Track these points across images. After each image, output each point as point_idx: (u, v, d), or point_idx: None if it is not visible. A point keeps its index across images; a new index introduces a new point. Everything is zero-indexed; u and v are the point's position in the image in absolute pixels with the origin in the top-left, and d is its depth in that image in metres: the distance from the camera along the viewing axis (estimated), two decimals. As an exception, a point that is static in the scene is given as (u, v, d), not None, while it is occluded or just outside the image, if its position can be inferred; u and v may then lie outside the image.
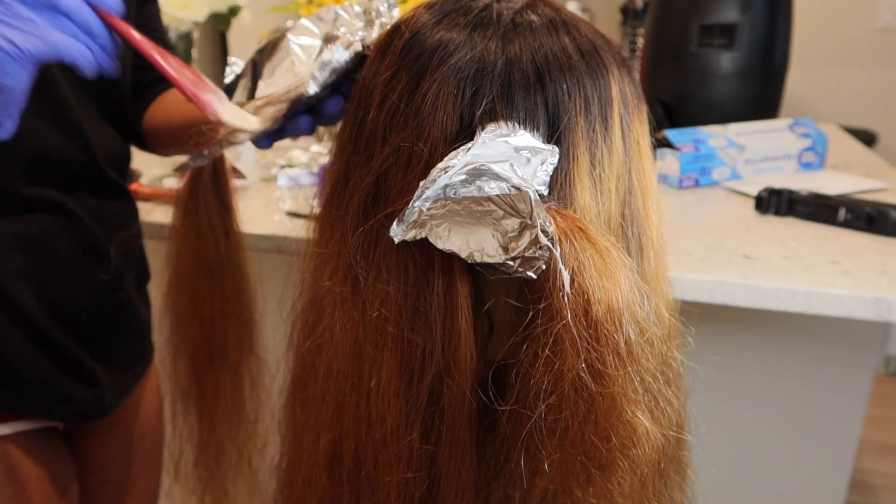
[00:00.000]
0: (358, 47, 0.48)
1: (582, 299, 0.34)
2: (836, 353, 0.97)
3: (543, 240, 0.35)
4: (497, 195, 0.35)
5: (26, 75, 0.39)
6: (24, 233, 0.62)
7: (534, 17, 0.41)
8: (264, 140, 0.53)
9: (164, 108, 0.75)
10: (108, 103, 0.70)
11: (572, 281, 0.34)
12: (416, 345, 0.38)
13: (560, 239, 0.35)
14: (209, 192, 0.56)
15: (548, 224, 0.35)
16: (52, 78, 0.62)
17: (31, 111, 0.61)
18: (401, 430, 0.39)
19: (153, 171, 1.27)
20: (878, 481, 1.80)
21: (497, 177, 0.35)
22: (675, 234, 0.91)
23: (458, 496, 0.40)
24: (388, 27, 0.46)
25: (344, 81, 0.50)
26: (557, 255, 0.34)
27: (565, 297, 0.34)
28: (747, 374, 1.02)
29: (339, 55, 0.47)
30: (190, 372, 0.60)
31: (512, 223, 0.35)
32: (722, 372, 1.00)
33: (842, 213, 0.91)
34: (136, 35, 0.45)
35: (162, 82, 0.78)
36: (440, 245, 0.36)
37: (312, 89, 0.48)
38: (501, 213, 0.35)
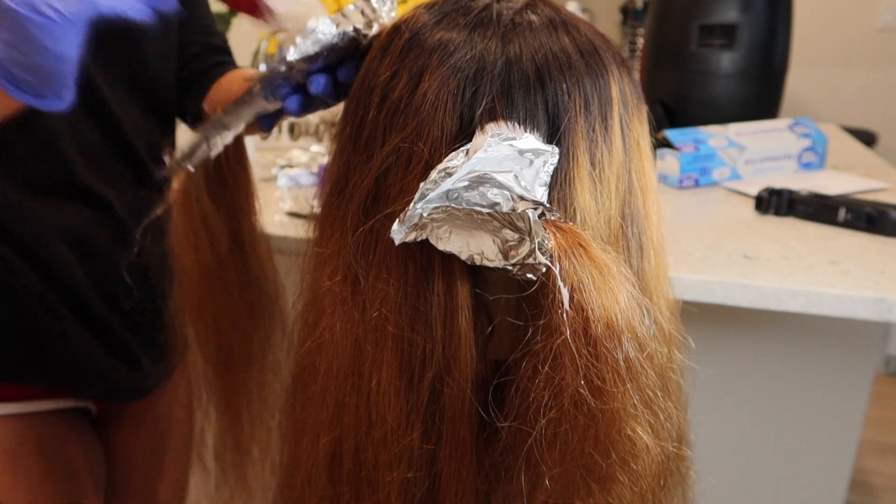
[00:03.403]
0: (348, 28, 0.47)
1: (581, 317, 0.34)
2: (836, 353, 0.97)
3: (541, 258, 0.35)
4: (496, 212, 0.35)
5: (76, 40, 0.38)
6: (66, 224, 0.66)
7: (534, 17, 0.41)
8: (265, 121, 0.52)
9: (222, 90, 0.77)
10: (148, 96, 0.73)
11: (571, 298, 0.34)
12: (417, 344, 0.38)
13: (559, 255, 0.35)
14: (202, 192, 0.56)
15: (546, 241, 0.35)
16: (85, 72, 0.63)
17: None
18: (401, 429, 0.39)
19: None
20: (878, 481, 1.80)
21: (500, 185, 0.35)
22: (675, 234, 0.91)
23: (458, 496, 0.40)
24: (387, 24, 0.46)
25: (339, 66, 0.49)
26: (556, 272, 0.34)
27: (564, 315, 0.34)
28: (747, 374, 1.02)
29: (324, 26, 0.46)
30: (206, 368, 0.61)
31: (511, 234, 0.36)
32: (722, 372, 0.99)
33: (842, 213, 0.91)
34: None
35: (217, 67, 0.79)
36: (440, 246, 0.36)
37: (291, 55, 0.47)
38: (500, 225, 0.36)
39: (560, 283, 0.34)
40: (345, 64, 0.48)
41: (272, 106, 0.50)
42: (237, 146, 0.56)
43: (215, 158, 0.55)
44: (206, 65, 0.79)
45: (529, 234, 0.35)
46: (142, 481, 0.83)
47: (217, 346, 0.59)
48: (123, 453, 0.81)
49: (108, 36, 0.65)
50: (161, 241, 0.74)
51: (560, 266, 0.34)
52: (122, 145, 0.70)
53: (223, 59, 0.81)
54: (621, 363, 0.34)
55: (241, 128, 0.54)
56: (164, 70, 0.75)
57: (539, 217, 0.35)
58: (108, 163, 0.69)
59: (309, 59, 0.47)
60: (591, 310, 0.34)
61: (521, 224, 0.35)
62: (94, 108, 0.66)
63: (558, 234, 0.35)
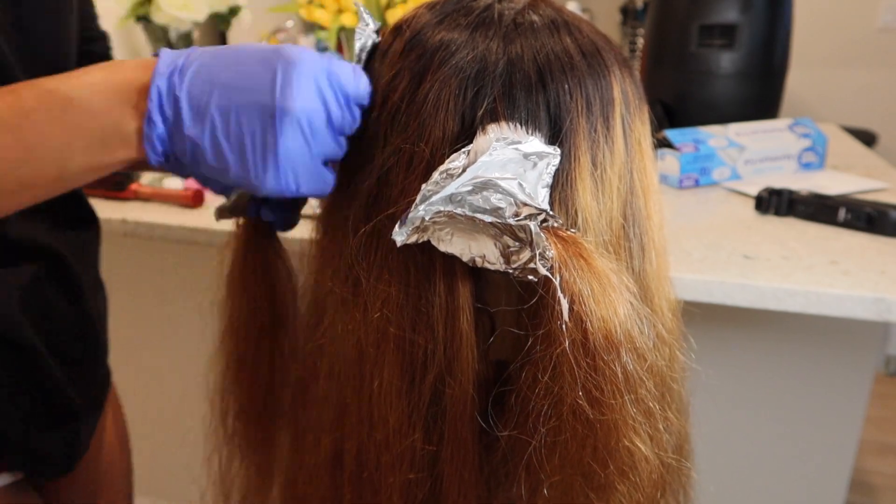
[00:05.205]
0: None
1: (580, 328, 0.34)
2: (836, 353, 0.97)
3: (542, 270, 0.35)
4: (499, 222, 0.35)
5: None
6: (20, 284, 0.59)
7: (535, 18, 0.41)
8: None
9: None
10: None
11: (571, 309, 0.34)
12: (418, 345, 0.38)
13: (559, 266, 0.35)
14: (262, 244, 0.52)
15: (547, 251, 0.35)
16: None
17: None
18: (403, 430, 0.39)
19: (153, 170, 1.27)
20: (878, 481, 1.80)
21: (504, 191, 0.35)
22: (675, 234, 0.91)
23: (460, 497, 0.40)
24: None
25: None
26: (556, 282, 0.34)
27: (563, 326, 0.34)
28: (747, 375, 1.02)
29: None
30: (241, 425, 0.55)
31: (512, 241, 0.36)
32: (722, 372, 1.00)
33: (842, 213, 0.91)
34: None
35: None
36: (442, 248, 0.36)
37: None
38: (501, 232, 0.36)
39: (560, 293, 0.34)
40: None
41: None
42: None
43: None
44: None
45: (531, 245, 0.35)
46: None
47: (260, 401, 0.53)
48: None
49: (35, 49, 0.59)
50: (97, 284, 0.70)
51: (560, 277, 0.34)
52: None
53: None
54: (619, 375, 0.34)
55: None
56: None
57: (541, 224, 0.35)
58: (46, 206, 0.63)
59: None
60: (590, 321, 0.34)
61: (522, 235, 0.35)
62: None
63: (559, 245, 0.35)
